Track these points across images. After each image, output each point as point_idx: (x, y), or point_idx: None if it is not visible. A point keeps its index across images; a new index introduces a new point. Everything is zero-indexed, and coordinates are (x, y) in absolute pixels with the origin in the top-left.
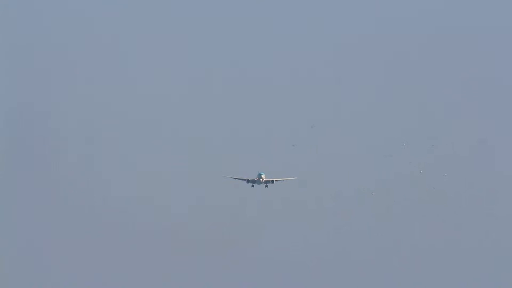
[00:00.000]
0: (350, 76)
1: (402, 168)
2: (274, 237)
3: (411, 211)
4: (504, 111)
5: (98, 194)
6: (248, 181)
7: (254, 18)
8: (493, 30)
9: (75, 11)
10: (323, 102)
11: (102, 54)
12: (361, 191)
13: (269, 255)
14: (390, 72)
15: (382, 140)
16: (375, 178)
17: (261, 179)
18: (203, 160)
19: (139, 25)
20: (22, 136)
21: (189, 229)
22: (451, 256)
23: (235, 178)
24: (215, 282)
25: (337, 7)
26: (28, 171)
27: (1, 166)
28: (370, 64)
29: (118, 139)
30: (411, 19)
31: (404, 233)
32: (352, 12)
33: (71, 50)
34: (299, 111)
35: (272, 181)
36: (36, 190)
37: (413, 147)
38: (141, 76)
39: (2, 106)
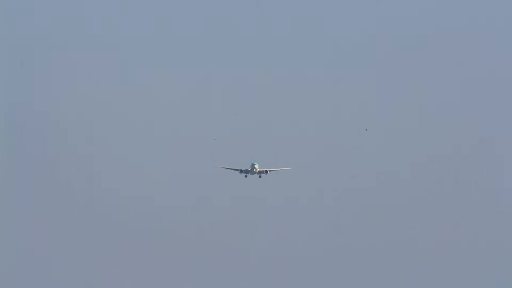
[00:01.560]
0: (348, 72)
1: (400, 160)
2: (267, 229)
3: (411, 204)
4: (505, 110)
5: (93, 187)
6: (241, 171)
7: (252, 19)
8: (493, 30)
9: (75, 11)
10: (318, 93)
11: (101, 54)
12: (359, 180)
13: (263, 248)
14: (389, 69)
15: (378, 132)
16: (373, 169)
17: (254, 169)
18: (194, 150)
19: (138, 24)
20: (21, 136)
21: (180, 222)
22: (454, 253)
23: (228, 168)
24: (209, 277)
25: (335, 7)
26: (27, 171)
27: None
28: (369, 62)
29: (112, 133)
30: (410, 19)
31: (406, 228)
32: (350, 12)
33: (71, 50)
34: (291, 102)
35: (266, 172)
36: (35, 190)
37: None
38: (136, 72)
39: (1, 106)
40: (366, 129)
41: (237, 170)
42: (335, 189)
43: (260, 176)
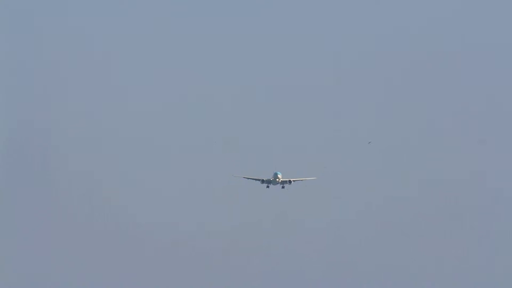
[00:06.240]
0: (370, 84)
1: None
2: (290, 243)
3: (438, 217)
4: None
5: (105, 204)
6: (263, 181)
7: (253, 22)
8: (495, 47)
9: (72, 27)
10: (345, 103)
11: (99, 67)
12: (385, 190)
13: (284, 262)
14: (394, 75)
15: (394, 139)
16: (399, 180)
17: (277, 179)
18: (213, 159)
19: (135, 37)
20: (21, 151)
21: (198, 234)
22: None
23: (248, 178)
24: None
25: (338, 20)
26: (27, 185)
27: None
28: (373, 66)
29: (123, 142)
30: (412, 35)
31: (431, 240)
32: (352, 26)
33: (69, 65)
34: (317, 110)
35: (290, 182)
36: (34, 208)
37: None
38: (143, 79)
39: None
40: (369, 142)
41: (259, 180)
42: (361, 200)
43: (283, 187)
